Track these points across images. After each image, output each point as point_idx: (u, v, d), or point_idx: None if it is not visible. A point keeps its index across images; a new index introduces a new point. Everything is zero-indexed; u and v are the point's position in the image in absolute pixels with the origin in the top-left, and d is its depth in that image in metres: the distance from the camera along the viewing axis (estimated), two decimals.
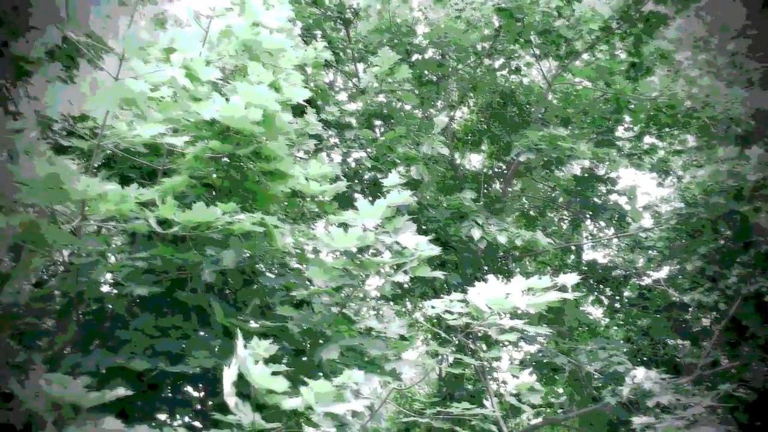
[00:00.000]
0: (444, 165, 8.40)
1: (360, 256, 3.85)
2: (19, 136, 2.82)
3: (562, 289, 3.18)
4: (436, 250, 3.21)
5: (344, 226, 3.22)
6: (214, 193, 3.97)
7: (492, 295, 3.09)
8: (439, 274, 3.35)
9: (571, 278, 3.17)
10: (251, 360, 2.42)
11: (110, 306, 3.84)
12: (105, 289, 4.05)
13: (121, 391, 2.55)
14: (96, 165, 3.65)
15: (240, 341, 2.42)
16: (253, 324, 3.64)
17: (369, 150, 6.44)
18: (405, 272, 3.22)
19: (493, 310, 3.17)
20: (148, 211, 3.07)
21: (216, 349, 3.57)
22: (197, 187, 3.64)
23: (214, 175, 3.84)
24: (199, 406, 3.95)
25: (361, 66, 7.51)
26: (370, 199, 3.44)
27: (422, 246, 3.19)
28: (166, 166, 3.83)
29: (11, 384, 2.82)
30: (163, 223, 3.21)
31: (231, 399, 2.33)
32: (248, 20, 3.67)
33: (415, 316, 9.50)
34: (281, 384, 2.41)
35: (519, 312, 3.30)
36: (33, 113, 2.97)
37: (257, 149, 3.43)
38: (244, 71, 3.74)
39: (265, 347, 2.63)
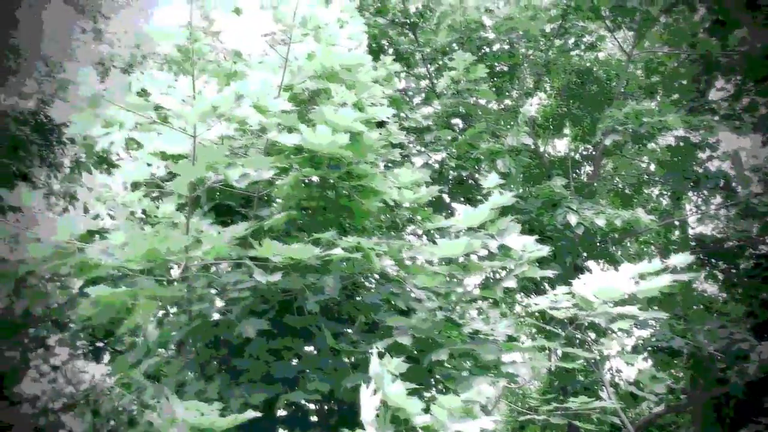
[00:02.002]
0: (527, 154, 8.21)
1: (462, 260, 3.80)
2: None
3: (674, 271, 3.01)
4: (544, 250, 3.11)
5: (445, 231, 3.19)
6: (309, 212, 4.05)
7: (600, 286, 2.97)
8: (549, 272, 3.24)
9: (682, 258, 3.00)
10: (388, 379, 2.41)
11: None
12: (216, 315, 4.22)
13: (250, 414, 2.63)
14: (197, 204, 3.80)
15: (375, 359, 2.41)
16: (360, 343, 3.68)
17: (450, 150, 6.38)
18: (515, 276, 3.13)
19: (601, 300, 3.04)
20: (246, 254, 3.18)
21: (333, 369, 3.64)
22: (293, 215, 3.73)
23: (307, 198, 3.93)
24: (315, 418, 4.04)
25: (432, 67, 7.46)
26: (463, 199, 3.40)
27: (530, 246, 3.10)
28: (261, 193, 3.95)
29: (147, 416, 2.98)
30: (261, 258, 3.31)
31: (369, 419, 2.31)
32: (326, 42, 3.73)
33: (516, 311, 9.31)
34: (416, 405, 2.38)
35: (629, 297, 3.15)
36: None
37: (348, 170, 3.47)
38: (327, 93, 3.80)
39: (396, 364, 2.62)
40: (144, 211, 3.67)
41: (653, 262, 2.90)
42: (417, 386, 2.68)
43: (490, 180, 3.54)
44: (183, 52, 4.17)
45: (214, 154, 3.09)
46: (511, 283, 3.21)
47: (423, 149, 6.27)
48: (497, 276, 3.89)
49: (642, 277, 2.97)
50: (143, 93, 3.10)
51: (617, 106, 6.87)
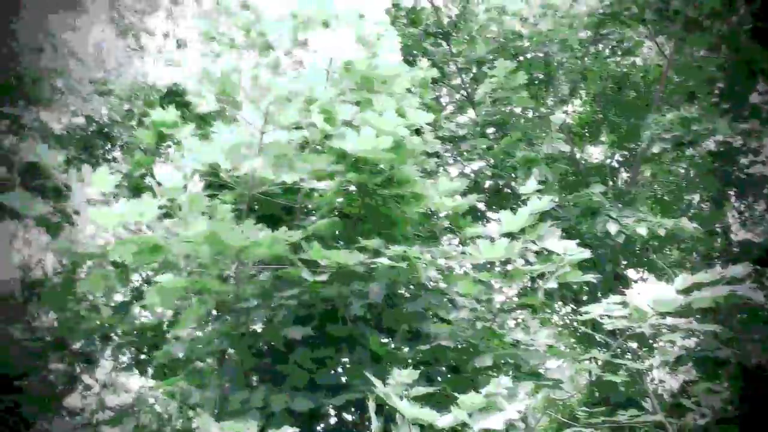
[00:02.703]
0: (563, 162, 8.14)
1: (500, 267, 3.79)
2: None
3: (732, 281, 2.95)
4: (586, 253, 3.09)
5: (488, 238, 3.19)
6: (350, 219, 4.09)
7: (656, 296, 2.94)
8: (590, 277, 3.21)
9: (740, 269, 2.94)
10: (396, 395, 2.45)
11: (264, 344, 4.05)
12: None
13: (289, 431, 2.68)
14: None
15: (376, 381, 2.48)
16: (406, 350, 3.69)
17: (487, 158, 6.38)
18: (556, 279, 3.12)
19: (655, 311, 3.01)
20: (296, 257, 3.25)
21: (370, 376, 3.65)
22: (336, 222, 3.78)
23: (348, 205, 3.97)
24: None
25: (467, 77, 7.48)
26: (498, 208, 3.39)
27: (571, 250, 3.09)
28: (304, 203, 4.02)
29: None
30: (308, 263, 3.37)
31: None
32: (366, 55, 3.79)
33: (554, 320, 9.19)
34: (431, 414, 2.40)
35: (682, 308, 3.10)
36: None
37: (390, 175, 3.51)
38: (368, 103, 3.85)
39: (408, 374, 2.66)
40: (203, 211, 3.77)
41: (710, 272, 2.87)
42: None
43: (527, 186, 3.54)
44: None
45: (282, 148, 3.17)
46: (552, 285, 3.19)
47: (458, 158, 6.28)
48: (537, 285, 3.86)
49: (698, 287, 2.94)
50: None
51: (658, 111, 6.77)
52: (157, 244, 3.04)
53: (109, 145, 7.69)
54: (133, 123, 7.78)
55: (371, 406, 2.48)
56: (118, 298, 5.76)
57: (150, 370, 5.62)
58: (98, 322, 4.82)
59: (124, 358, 5.97)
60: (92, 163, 7.32)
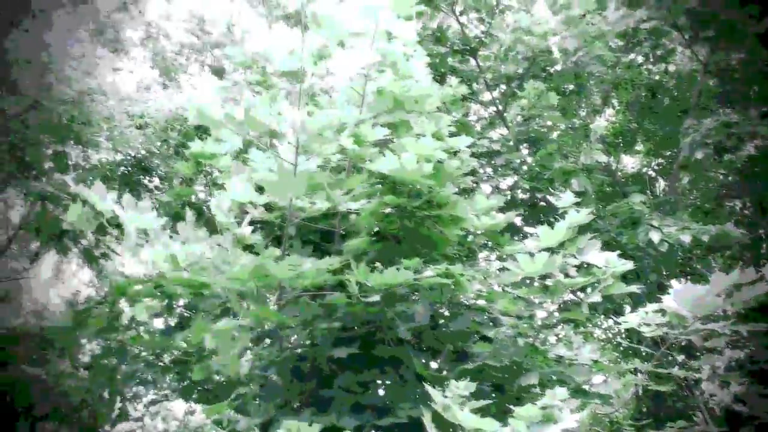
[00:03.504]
0: (599, 172, 8.04)
1: (538, 283, 3.75)
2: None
3: None
4: (628, 265, 3.04)
5: (527, 254, 3.17)
6: (388, 241, 4.11)
7: (693, 299, 2.86)
8: (634, 288, 3.16)
9: None
10: (455, 405, 2.43)
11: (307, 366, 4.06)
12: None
13: None
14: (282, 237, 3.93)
15: (433, 391, 2.47)
16: (446, 372, 3.67)
17: (522, 171, 6.34)
18: (600, 292, 3.07)
19: (695, 316, 2.93)
20: (342, 278, 3.28)
21: (416, 397, 3.64)
22: (375, 243, 3.80)
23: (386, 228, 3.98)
24: None
25: (496, 93, 7.48)
26: (548, 222, 3.35)
27: (613, 262, 3.04)
28: (341, 227, 4.05)
29: None
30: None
31: None
32: (398, 77, 3.82)
33: (596, 334, 9.01)
34: (491, 423, 2.39)
35: (722, 314, 3.02)
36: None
37: (429, 198, 3.52)
38: (403, 125, 3.88)
39: (465, 385, 2.65)
40: (247, 245, 3.83)
41: (746, 272, 2.78)
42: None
43: (564, 199, 3.50)
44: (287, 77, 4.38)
45: (315, 178, 3.21)
46: (596, 299, 3.14)
47: (492, 174, 6.26)
48: (578, 299, 3.81)
49: (737, 288, 2.86)
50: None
51: (695, 117, 6.65)
52: (204, 282, 3.10)
53: (148, 177, 7.91)
54: (170, 154, 8.01)
55: (427, 420, 2.46)
56: (157, 324, 5.90)
57: (194, 396, 5.70)
58: (142, 349, 4.90)
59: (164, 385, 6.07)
60: (134, 195, 7.54)
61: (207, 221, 4.46)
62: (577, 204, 3.49)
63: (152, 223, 3.22)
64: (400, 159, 3.24)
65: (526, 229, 6.87)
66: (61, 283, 13.42)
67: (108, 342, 5.53)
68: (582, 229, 3.45)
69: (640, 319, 3.15)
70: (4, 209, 10.51)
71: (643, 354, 6.93)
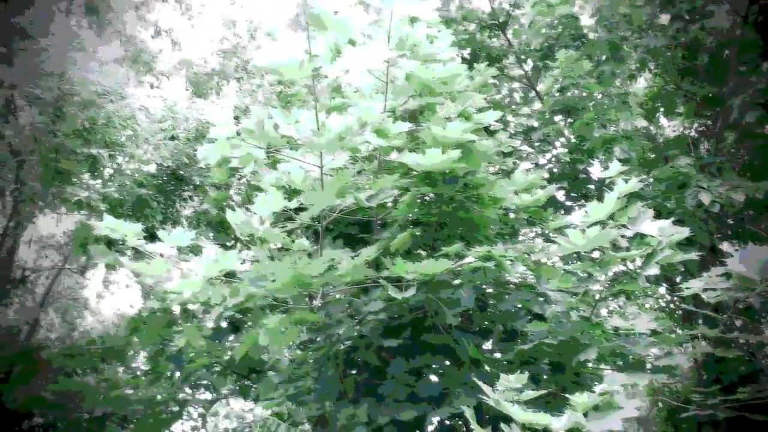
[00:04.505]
0: (641, 138, 7.81)
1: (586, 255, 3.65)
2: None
3: None
4: (685, 232, 2.92)
5: (574, 228, 3.07)
6: (429, 227, 4.06)
7: (763, 262, 2.73)
8: (693, 255, 3.04)
9: None
10: (507, 401, 2.38)
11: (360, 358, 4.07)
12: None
13: None
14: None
15: (485, 388, 2.42)
16: (498, 354, 3.62)
17: (560, 143, 6.21)
18: (657, 263, 2.96)
19: (764, 278, 2.80)
20: (379, 274, 3.26)
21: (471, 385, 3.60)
22: (414, 233, 3.77)
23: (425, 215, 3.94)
24: None
25: (528, 66, 7.32)
26: (592, 195, 3.25)
27: (667, 230, 2.92)
28: (379, 217, 4.03)
29: None
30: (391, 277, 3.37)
31: None
32: (421, 60, 3.76)
33: (648, 304, 8.81)
34: (545, 418, 2.31)
35: None
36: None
37: (465, 181, 3.47)
38: (431, 109, 3.82)
39: (516, 378, 2.57)
40: (280, 247, 3.85)
41: None
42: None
43: (611, 169, 3.39)
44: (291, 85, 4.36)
45: (342, 179, 3.20)
46: (654, 271, 3.03)
47: (531, 150, 6.14)
48: (628, 269, 3.70)
49: None
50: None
51: (737, 74, 6.37)
52: (251, 293, 3.13)
53: (184, 187, 8.07)
54: (201, 164, 8.15)
55: (469, 415, 2.42)
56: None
57: (252, 395, 5.79)
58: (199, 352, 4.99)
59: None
60: (168, 204, 7.71)
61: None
62: (622, 172, 3.37)
63: (185, 239, 3.26)
64: (425, 154, 3.20)
65: (569, 203, 6.73)
66: (110, 294, 13.82)
67: (163, 347, 5.65)
68: (629, 198, 3.34)
69: (703, 284, 3.03)
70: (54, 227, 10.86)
71: (700, 322, 6.72)
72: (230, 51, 11.49)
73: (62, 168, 7.50)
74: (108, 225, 3.18)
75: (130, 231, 3.21)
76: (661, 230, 2.95)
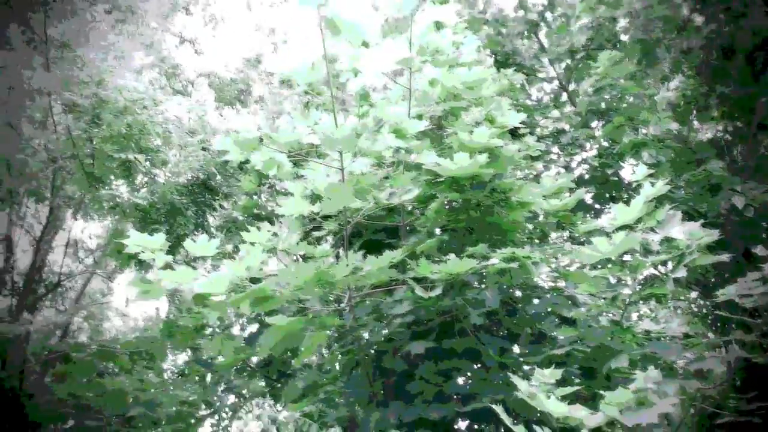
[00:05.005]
0: (672, 142, 7.69)
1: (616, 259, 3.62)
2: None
3: None
4: (714, 234, 2.88)
5: (595, 234, 3.07)
6: (457, 233, 4.07)
7: None
8: (725, 257, 3.00)
9: None
10: (543, 394, 2.38)
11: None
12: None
13: None
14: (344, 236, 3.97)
15: (518, 379, 2.42)
16: (527, 357, 3.60)
17: (591, 146, 6.16)
18: (685, 266, 2.93)
19: None
20: (405, 276, 3.29)
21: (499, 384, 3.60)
22: (444, 237, 3.78)
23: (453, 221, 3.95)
24: None
25: (560, 68, 7.27)
26: (621, 198, 3.22)
27: (696, 234, 2.89)
28: (406, 222, 4.05)
29: None
30: (418, 279, 3.39)
31: None
32: (444, 66, 3.78)
33: (680, 309, 8.64)
34: (581, 412, 2.31)
35: None
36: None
37: (492, 186, 3.48)
38: (455, 114, 3.83)
39: (551, 373, 2.59)
40: (303, 256, 3.90)
41: None
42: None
43: (638, 172, 3.37)
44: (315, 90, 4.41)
45: (362, 180, 3.23)
46: (682, 274, 2.99)
47: (560, 153, 6.10)
48: (659, 273, 3.66)
49: None
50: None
51: None
52: (269, 295, 3.16)
53: (213, 197, 8.22)
54: (231, 173, 8.30)
55: (500, 411, 2.43)
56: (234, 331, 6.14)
57: (282, 397, 5.87)
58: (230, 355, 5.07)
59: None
60: (199, 214, 7.86)
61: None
62: (651, 176, 3.34)
63: (212, 248, 3.29)
64: (452, 160, 3.21)
65: (598, 206, 6.66)
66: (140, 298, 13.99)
67: (195, 351, 5.74)
68: (658, 201, 3.31)
69: (739, 289, 2.99)
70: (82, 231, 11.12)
71: (732, 326, 6.57)
72: (254, 60, 11.63)
73: (99, 173, 7.67)
74: (134, 242, 3.20)
75: (154, 244, 3.21)
76: (690, 233, 2.92)
